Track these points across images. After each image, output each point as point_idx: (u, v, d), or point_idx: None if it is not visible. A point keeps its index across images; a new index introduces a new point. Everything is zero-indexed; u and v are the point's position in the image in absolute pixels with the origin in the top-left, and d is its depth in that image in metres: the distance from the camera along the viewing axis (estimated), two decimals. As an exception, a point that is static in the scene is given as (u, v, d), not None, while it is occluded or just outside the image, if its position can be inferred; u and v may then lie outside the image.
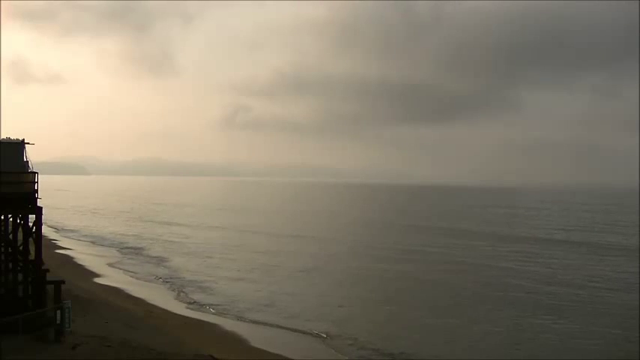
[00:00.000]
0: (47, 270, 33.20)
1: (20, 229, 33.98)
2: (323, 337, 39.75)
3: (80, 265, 67.15)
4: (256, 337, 39.48)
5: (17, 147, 33.03)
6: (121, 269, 66.52)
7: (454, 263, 71.92)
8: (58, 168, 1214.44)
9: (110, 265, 69.40)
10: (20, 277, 33.64)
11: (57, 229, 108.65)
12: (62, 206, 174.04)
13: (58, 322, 29.43)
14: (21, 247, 33.75)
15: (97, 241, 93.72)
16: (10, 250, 34.24)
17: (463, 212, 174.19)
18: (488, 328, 42.26)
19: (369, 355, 36.13)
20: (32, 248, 32.90)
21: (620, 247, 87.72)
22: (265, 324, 43.10)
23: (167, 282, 58.95)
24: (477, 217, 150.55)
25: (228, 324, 42.71)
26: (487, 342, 39.03)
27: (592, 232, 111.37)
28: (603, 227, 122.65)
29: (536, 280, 60.53)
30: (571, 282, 59.93)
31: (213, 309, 47.39)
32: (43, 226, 33.80)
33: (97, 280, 58.51)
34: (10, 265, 34.00)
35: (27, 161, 33.38)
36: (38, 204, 32.52)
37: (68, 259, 70.24)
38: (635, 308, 47.68)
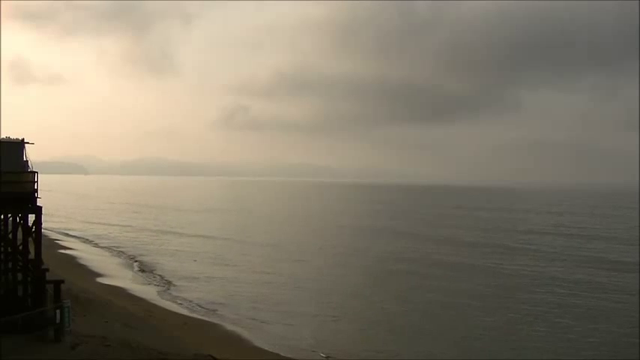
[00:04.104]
0: (47, 269, 33.09)
1: (20, 228, 33.89)
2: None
3: (82, 265, 67.09)
4: (257, 336, 39.46)
5: (17, 146, 32.89)
6: (121, 271, 66.48)
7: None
8: (58, 168, 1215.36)
9: (109, 265, 69.37)
10: (20, 276, 33.59)
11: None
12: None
13: (57, 321, 29.32)
14: (20, 247, 33.67)
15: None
16: (9, 249, 34.16)
17: (445, 214, 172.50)
18: (476, 331, 42.26)
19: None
20: (32, 248, 32.80)
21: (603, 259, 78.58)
22: (265, 323, 43.10)
23: (165, 282, 58.95)
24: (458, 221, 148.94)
25: (228, 324, 42.67)
26: (478, 344, 39.02)
27: (584, 238, 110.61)
28: (597, 232, 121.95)
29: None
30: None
31: (212, 309, 47.38)
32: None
33: (98, 279, 58.46)
34: (10, 264, 33.93)
35: (27, 161, 33.26)
36: (38, 203, 32.44)
37: (70, 259, 70.19)
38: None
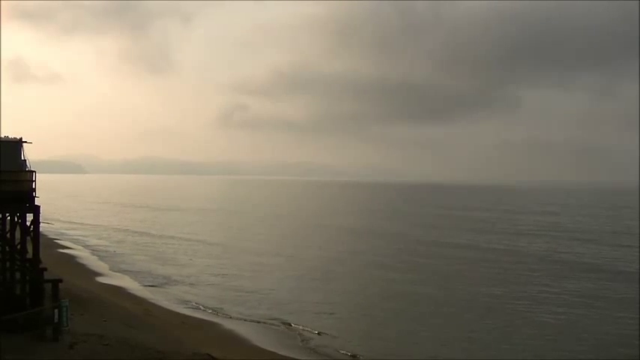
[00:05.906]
0: (45, 268, 33.08)
1: (18, 227, 33.88)
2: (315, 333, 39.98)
3: (81, 264, 67.07)
4: (255, 336, 39.50)
5: (15, 146, 32.86)
6: (120, 270, 66.46)
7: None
8: (57, 167, 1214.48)
9: (109, 265, 69.35)
10: (18, 275, 33.58)
11: None
12: None
13: (55, 320, 29.33)
14: (19, 246, 33.66)
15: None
16: (7, 248, 34.16)
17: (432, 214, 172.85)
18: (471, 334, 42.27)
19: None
20: (30, 247, 32.79)
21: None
22: (262, 323, 43.14)
23: (164, 281, 59.00)
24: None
25: (226, 323, 42.72)
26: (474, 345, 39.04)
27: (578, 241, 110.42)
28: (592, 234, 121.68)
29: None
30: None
31: (210, 308, 47.43)
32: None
33: (97, 279, 58.47)
34: (8, 263, 33.93)
35: (25, 160, 33.24)
36: (36, 203, 32.42)
37: (69, 259, 70.17)
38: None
